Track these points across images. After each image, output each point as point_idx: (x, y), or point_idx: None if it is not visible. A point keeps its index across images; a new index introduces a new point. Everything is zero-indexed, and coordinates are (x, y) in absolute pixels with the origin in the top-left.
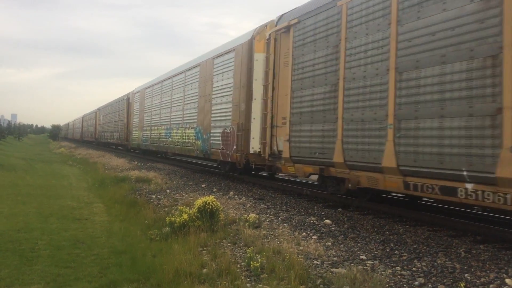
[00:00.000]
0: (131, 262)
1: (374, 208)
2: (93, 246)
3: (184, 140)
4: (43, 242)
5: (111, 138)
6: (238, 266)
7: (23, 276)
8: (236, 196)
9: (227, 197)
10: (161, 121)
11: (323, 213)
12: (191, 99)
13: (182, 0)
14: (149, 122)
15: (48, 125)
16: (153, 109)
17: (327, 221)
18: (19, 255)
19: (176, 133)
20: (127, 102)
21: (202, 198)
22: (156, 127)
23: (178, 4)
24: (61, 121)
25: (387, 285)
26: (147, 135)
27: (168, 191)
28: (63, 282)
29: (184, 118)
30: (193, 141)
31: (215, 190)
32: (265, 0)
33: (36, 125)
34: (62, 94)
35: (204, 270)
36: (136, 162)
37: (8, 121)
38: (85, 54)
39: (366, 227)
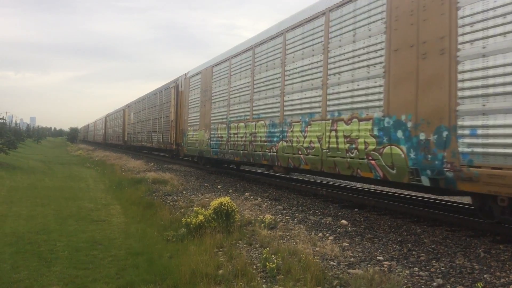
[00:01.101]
0: (147, 263)
1: (391, 208)
2: (111, 247)
3: (336, 145)
4: (62, 243)
5: (148, 141)
6: (254, 267)
7: (42, 278)
8: (251, 197)
9: (242, 198)
10: (255, 112)
11: (339, 213)
12: (354, 61)
13: (199, 2)
14: (224, 116)
15: (66, 127)
16: (232, 95)
17: (344, 221)
18: (38, 257)
19: (301, 131)
20: (175, 90)
21: (217, 199)
22: (241, 123)
23: (194, 6)
24: (80, 124)
25: (404, 286)
26: (222, 137)
27: (184, 192)
28: (81, 284)
29: (331, 102)
30: (373, 146)
31: (230, 191)
32: (280, 1)
33: (55, 128)
34: (80, 97)
35: (220, 271)
36: (152, 164)
37: (27, 124)
38: (103, 57)
39: (383, 228)
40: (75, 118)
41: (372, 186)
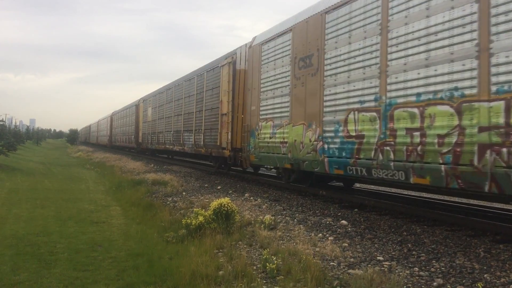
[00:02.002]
0: (148, 265)
1: (391, 208)
2: (111, 249)
3: None
4: (62, 245)
5: (176, 144)
6: (254, 268)
7: (42, 280)
8: (251, 198)
9: (242, 198)
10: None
11: (339, 213)
12: None
13: (198, 3)
14: (368, 97)
15: (66, 129)
16: (397, 53)
17: (344, 222)
18: (38, 259)
19: None
20: (230, 69)
21: (217, 200)
22: (437, 107)
23: (194, 8)
24: (80, 125)
25: (404, 286)
26: (359, 136)
27: (184, 193)
28: (81, 285)
29: None
30: None
31: (230, 192)
32: (279, 1)
33: (54, 130)
34: (80, 98)
35: (220, 272)
36: (152, 165)
37: (27, 126)
38: (103, 58)
39: (383, 228)
40: (75, 119)
41: (372, 186)
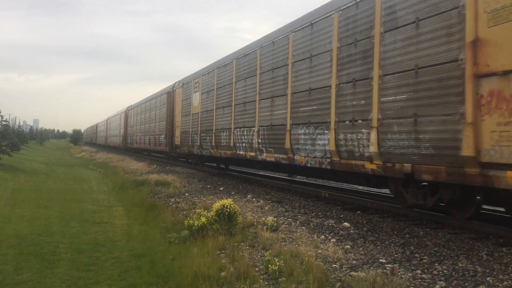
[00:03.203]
0: (150, 265)
1: (394, 211)
2: (113, 249)
3: None
4: (64, 245)
5: (267, 150)
6: (256, 269)
7: (44, 280)
8: (254, 199)
9: (245, 200)
10: None
11: (341, 216)
12: None
13: (201, 5)
14: None
15: (69, 129)
16: None
17: (346, 224)
18: (40, 259)
19: None
20: None
21: (220, 201)
22: None
23: (196, 9)
24: (83, 126)
25: None
26: None
27: (186, 194)
28: (83, 286)
29: None
30: None
31: (233, 193)
32: (282, 4)
33: (58, 130)
34: (83, 99)
35: (223, 274)
36: (155, 166)
37: (30, 126)
38: (106, 59)
39: (386, 230)
40: (78, 120)
41: (374, 189)
